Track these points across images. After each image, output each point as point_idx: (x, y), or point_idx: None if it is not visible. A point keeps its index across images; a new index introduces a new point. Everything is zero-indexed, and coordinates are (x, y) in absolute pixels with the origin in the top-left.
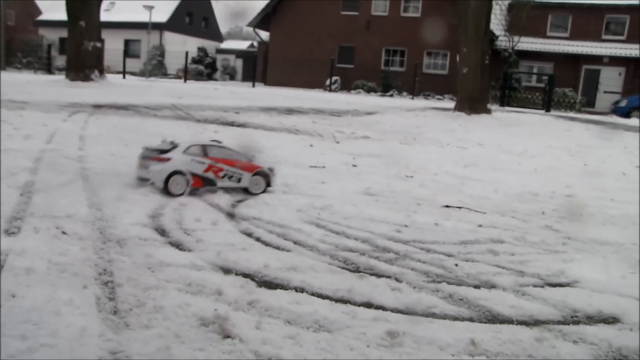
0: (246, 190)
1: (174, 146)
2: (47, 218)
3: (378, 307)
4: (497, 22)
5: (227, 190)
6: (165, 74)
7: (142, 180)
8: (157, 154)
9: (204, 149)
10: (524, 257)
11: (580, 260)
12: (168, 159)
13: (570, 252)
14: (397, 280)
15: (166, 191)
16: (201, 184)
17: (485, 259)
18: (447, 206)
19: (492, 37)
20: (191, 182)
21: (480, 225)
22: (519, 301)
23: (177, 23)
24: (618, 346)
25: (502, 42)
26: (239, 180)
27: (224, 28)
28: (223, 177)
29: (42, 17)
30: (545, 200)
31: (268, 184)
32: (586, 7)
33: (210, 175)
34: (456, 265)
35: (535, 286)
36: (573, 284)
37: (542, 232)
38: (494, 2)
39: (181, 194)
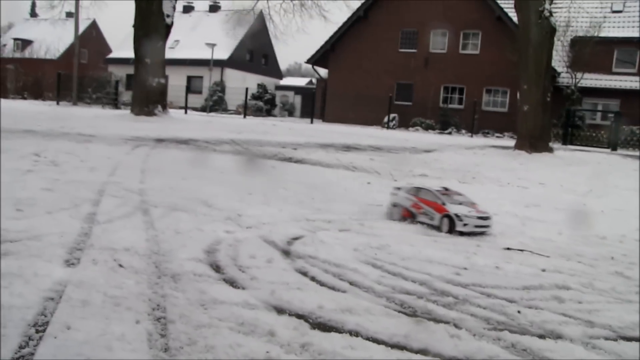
0: (437, 228)
1: (400, 187)
2: (106, 250)
3: (436, 355)
4: (559, 59)
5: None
6: (225, 110)
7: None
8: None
9: (417, 190)
10: (593, 305)
11: None
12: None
13: None
14: (456, 326)
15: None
16: (409, 215)
17: (550, 306)
18: (508, 249)
19: (554, 74)
20: (402, 212)
21: (543, 270)
22: (589, 354)
23: (238, 60)
24: None
25: (565, 78)
26: (432, 219)
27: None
28: (422, 213)
29: (111, 55)
30: (613, 244)
31: (452, 225)
32: None
33: (413, 210)
34: (519, 312)
35: (607, 339)
36: None
37: (611, 279)
38: (555, 38)
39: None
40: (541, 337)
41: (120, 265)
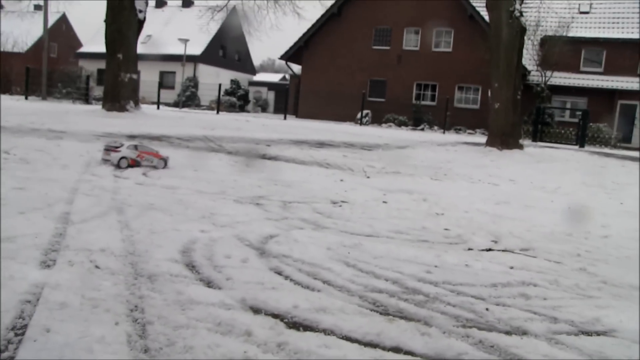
0: (155, 167)
1: (122, 144)
2: (82, 251)
3: (407, 353)
4: (529, 57)
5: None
6: (198, 105)
7: (105, 161)
8: (114, 148)
9: (135, 147)
10: (558, 302)
11: (617, 307)
12: (119, 150)
13: (606, 298)
14: (427, 324)
15: (117, 167)
16: (134, 164)
17: (517, 303)
18: (487, 249)
19: (525, 72)
20: (129, 162)
21: (512, 267)
22: (552, 350)
23: (211, 56)
24: None
25: (535, 76)
26: (152, 162)
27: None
28: (145, 160)
29: (82, 50)
30: (579, 241)
31: (165, 165)
32: (621, 42)
33: (138, 159)
34: (487, 309)
35: (569, 334)
36: (610, 333)
37: (576, 276)
38: (526, 37)
39: (125, 168)
40: (508, 333)
41: (97, 267)
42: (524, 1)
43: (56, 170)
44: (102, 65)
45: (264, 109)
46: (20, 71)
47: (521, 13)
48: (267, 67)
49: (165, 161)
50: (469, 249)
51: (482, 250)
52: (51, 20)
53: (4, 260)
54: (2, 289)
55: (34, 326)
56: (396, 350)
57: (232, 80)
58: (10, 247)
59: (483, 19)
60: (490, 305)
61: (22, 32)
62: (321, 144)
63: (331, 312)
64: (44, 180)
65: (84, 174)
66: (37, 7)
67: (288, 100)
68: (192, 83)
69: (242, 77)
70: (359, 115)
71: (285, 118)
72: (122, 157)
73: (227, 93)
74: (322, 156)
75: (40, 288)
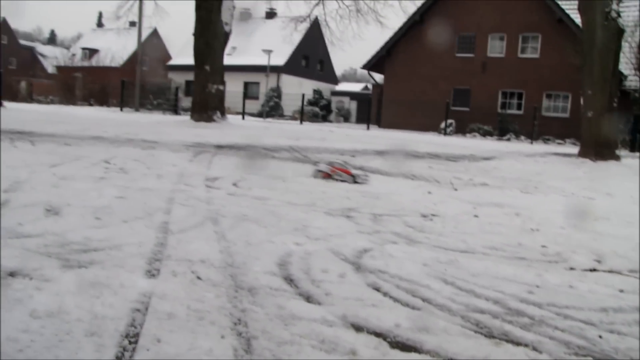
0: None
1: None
2: (183, 262)
3: None
4: (626, 61)
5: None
6: (281, 115)
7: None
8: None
9: (332, 163)
10: None
11: None
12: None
13: None
14: (536, 349)
15: (315, 177)
16: (327, 176)
17: (633, 331)
18: (591, 270)
19: (621, 78)
20: (323, 175)
21: (621, 290)
22: None
23: (294, 66)
24: None
25: (633, 82)
26: (341, 177)
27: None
28: (336, 174)
29: (171, 62)
30: None
31: (355, 181)
32: None
33: (331, 173)
34: (600, 337)
35: None
36: None
37: None
38: (623, 40)
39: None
40: None
41: (198, 278)
42: (622, 1)
43: (152, 180)
44: (190, 77)
45: (346, 118)
46: (117, 84)
47: (618, 14)
48: (349, 77)
49: (353, 177)
50: (571, 269)
51: (586, 270)
52: (144, 35)
53: (114, 268)
54: (114, 296)
55: (146, 335)
56: None
57: (314, 90)
58: (119, 255)
59: (573, 22)
60: (602, 332)
61: (119, 48)
62: (405, 155)
63: (434, 332)
64: (143, 190)
65: (177, 183)
66: (132, 24)
67: (370, 109)
68: (276, 93)
69: (325, 87)
70: (442, 125)
71: (368, 128)
72: (319, 170)
73: (310, 103)
74: (407, 167)
75: (148, 297)
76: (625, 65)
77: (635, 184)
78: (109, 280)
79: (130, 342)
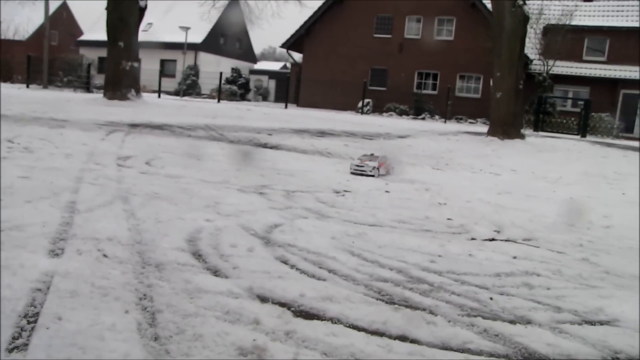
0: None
1: (372, 154)
2: (89, 240)
3: (413, 341)
4: (531, 46)
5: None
6: (199, 94)
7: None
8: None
9: (373, 155)
10: (561, 292)
11: (620, 297)
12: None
13: (609, 288)
14: (432, 313)
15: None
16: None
17: (520, 292)
18: (490, 239)
19: (527, 61)
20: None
21: (515, 257)
22: (556, 339)
23: (212, 44)
24: None
25: (537, 66)
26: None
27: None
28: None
29: (83, 37)
30: (581, 231)
31: (387, 172)
32: (624, 30)
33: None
34: (491, 298)
35: (572, 323)
36: (612, 323)
37: (579, 266)
38: (528, 26)
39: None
40: (512, 322)
41: (105, 256)
42: None
43: (60, 159)
44: (103, 53)
45: (264, 97)
46: (22, 59)
47: (524, 1)
48: (268, 56)
49: (377, 169)
50: (472, 239)
51: (485, 240)
52: (52, 8)
53: (14, 249)
54: (13, 277)
55: (46, 314)
56: (402, 338)
57: (233, 69)
58: (20, 236)
59: (485, 7)
60: (494, 294)
61: (23, 20)
62: (322, 133)
63: (337, 300)
64: (49, 169)
65: (87, 162)
66: None
67: (289, 89)
68: (193, 71)
69: (243, 66)
70: (360, 104)
71: (286, 107)
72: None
73: (228, 81)
74: (323, 145)
75: (50, 276)
76: (530, 50)
77: (537, 161)
78: (7, 262)
79: (28, 322)
